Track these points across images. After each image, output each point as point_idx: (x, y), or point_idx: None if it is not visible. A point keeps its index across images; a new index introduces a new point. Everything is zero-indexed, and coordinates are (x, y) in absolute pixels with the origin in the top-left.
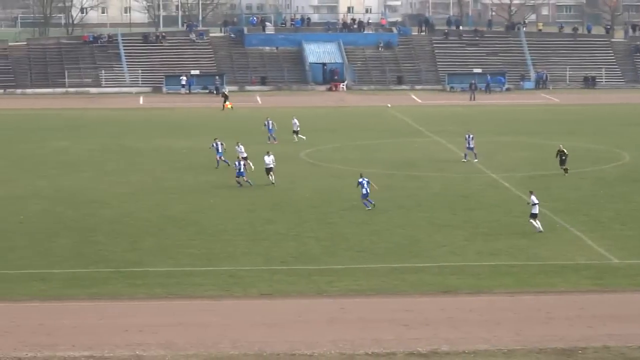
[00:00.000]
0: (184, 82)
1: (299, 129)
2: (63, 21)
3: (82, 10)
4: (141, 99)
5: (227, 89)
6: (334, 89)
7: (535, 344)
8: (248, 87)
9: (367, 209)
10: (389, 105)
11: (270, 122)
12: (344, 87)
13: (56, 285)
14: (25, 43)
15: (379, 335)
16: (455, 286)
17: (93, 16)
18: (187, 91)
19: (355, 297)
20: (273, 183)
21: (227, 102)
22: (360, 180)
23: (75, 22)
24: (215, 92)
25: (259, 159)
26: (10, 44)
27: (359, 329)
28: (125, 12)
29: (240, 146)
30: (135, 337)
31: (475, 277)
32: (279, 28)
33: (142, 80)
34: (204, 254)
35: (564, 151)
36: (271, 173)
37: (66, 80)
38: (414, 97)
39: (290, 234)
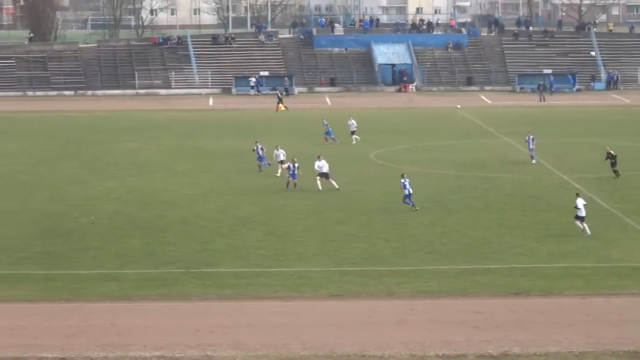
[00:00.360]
0: (253, 84)
1: (356, 129)
2: (133, 23)
3: (151, 12)
4: (211, 100)
5: (282, 91)
6: (403, 90)
7: (607, 346)
8: (317, 89)
9: (415, 209)
10: (459, 106)
11: (326, 123)
12: (413, 88)
13: (128, 285)
14: (95, 45)
15: (449, 337)
16: (525, 288)
17: (162, 18)
18: (256, 92)
19: (425, 298)
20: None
21: (281, 104)
22: (402, 180)
23: (144, 24)
24: (284, 93)
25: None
26: (80, 45)
27: (429, 330)
28: (195, 14)
29: (280, 150)
30: (206, 338)
31: (546, 278)
32: (347, 29)
33: (211, 82)
34: (273, 254)
35: (611, 153)
36: (329, 179)
37: (136, 81)
38: (483, 98)
39: (360, 235)
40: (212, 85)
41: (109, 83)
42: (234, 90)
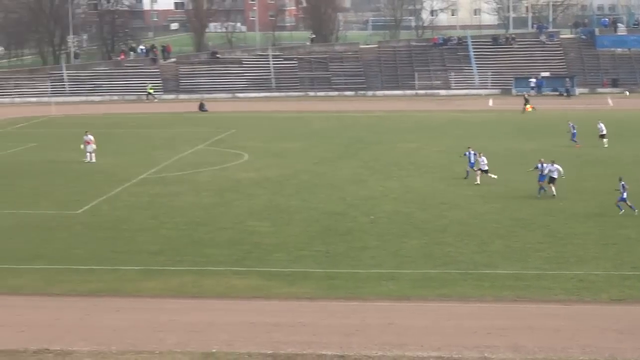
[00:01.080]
0: (533, 84)
1: (604, 132)
2: (413, 24)
3: (432, 12)
4: (490, 101)
5: (528, 93)
6: None
7: None
8: (599, 90)
9: (620, 211)
10: None
11: (572, 125)
12: None
13: (406, 285)
14: (376, 46)
15: None
16: None
17: (443, 18)
18: (537, 93)
19: None
20: (554, 195)
21: (528, 105)
22: (621, 183)
23: (425, 24)
24: (565, 94)
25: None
26: (361, 46)
27: None
28: (475, 14)
29: (483, 158)
30: (484, 339)
31: None
32: (631, 29)
33: (491, 82)
34: (553, 257)
35: None
36: (551, 185)
37: (416, 82)
38: None
39: None
40: (491, 85)
41: (388, 83)
42: (513, 91)
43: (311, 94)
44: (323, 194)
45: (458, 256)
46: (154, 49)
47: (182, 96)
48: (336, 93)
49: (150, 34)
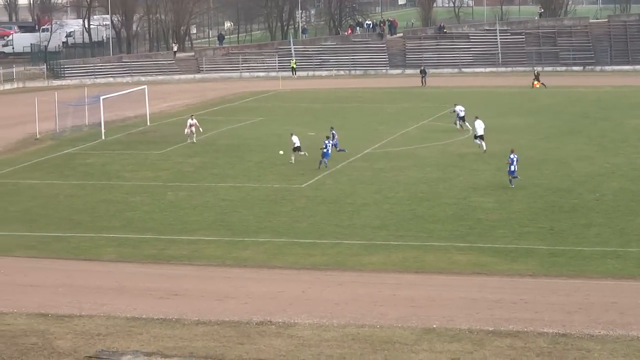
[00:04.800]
0: None
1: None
2: None
3: None
4: None
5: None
6: None
7: None
8: None
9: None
10: None
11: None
12: None
13: (631, 264)
14: (606, 20)
15: None
16: None
17: None
18: None
19: None
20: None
21: (536, 82)
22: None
23: None
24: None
25: None
26: (591, 21)
27: None
28: None
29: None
30: None
31: None
32: None
33: None
34: None
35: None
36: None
37: None
38: None
39: None
40: None
41: (618, 58)
42: None
43: (538, 68)
44: (548, 170)
45: None
46: (381, 24)
47: (408, 71)
48: (564, 68)
49: (378, 9)
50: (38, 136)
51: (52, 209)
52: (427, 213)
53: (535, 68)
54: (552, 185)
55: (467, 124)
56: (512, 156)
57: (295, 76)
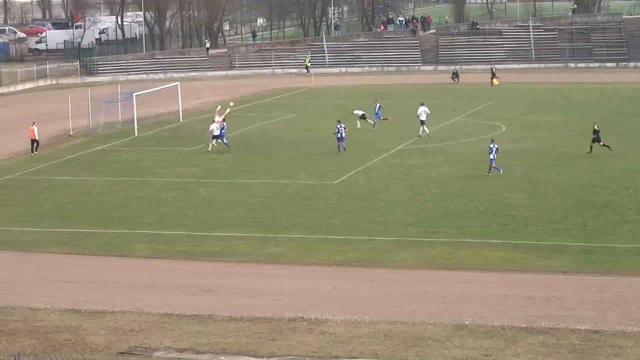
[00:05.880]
0: None
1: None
2: None
3: None
4: None
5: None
6: None
7: None
8: None
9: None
10: None
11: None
12: None
13: None
14: (638, 17)
15: None
16: None
17: None
18: None
19: None
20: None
21: (495, 79)
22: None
23: None
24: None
25: None
26: (624, 17)
27: None
28: None
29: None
30: None
31: None
32: None
33: None
34: None
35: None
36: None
37: None
38: None
39: None
40: None
41: None
42: None
43: (571, 65)
44: (581, 166)
45: None
46: (414, 21)
47: (440, 67)
48: (597, 64)
49: (410, 5)
50: (71, 133)
51: (85, 205)
52: (459, 209)
53: (492, 66)
54: (585, 181)
55: (424, 127)
56: (491, 145)
57: (309, 73)
